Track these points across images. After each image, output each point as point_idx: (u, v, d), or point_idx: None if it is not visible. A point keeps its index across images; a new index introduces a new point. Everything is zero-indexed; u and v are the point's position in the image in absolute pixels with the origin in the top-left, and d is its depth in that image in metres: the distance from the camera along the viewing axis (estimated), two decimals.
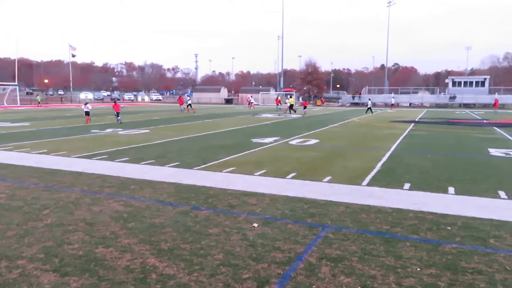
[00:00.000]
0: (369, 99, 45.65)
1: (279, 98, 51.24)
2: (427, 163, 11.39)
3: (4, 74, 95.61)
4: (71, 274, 4.33)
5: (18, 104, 54.36)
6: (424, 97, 70.07)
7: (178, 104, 44.37)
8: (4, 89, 56.96)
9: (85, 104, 26.04)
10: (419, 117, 35.74)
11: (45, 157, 11.95)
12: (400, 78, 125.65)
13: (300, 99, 71.71)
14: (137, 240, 5.32)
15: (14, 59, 66.94)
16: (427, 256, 4.88)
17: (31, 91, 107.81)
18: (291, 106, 40.87)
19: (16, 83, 58.18)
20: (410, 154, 13.21)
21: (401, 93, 73.61)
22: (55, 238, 5.40)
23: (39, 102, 54.39)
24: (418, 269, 4.51)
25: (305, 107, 40.08)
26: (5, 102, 53.44)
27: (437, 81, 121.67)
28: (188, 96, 47.53)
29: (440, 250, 5.06)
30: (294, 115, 36.41)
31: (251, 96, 55.77)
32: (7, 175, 9.29)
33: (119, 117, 25.39)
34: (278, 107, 48.00)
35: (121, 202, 7.12)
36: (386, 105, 65.41)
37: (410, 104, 67.85)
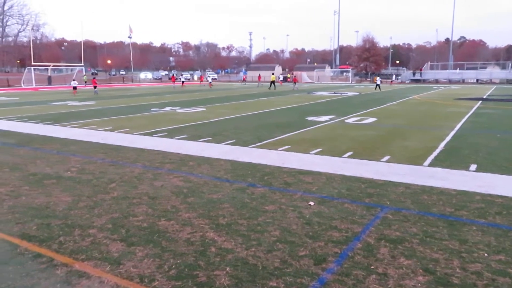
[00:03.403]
0: (378, 76, 47.59)
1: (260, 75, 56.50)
2: (496, 143, 10.64)
3: (71, 56, 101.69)
4: (136, 244, 4.60)
5: (84, 84, 57.60)
6: (493, 72, 64.88)
7: (176, 83, 52.09)
8: (71, 70, 60.60)
9: (73, 80, 37.43)
10: (487, 94, 33.32)
11: (110, 134, 12.64)
12: (467, 52, 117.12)
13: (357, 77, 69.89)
14: (197, 215, 5.51)
15: (80, 42, 70.73)
16: (496, 241, 4.60)
17: (95, 71, 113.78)
18: (271, 82, 44.73)
19: (82, 64, 61.50)
20: (477, 133, 12.41)
21: (467, 68, 68.71)
22: (122, 210, 5.73)
23: (85, 82, 56.92)
24: (486, 255, 4.27)
25: (295, 83, 43.82)
26: (76, 82, 56.77)
27: (508, 55, 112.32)
28: (181, 74, 63.21)
29: (511, 236, 4.75)
30: (349, 93, 35.43)
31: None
32: (77, 151, 9.96)
33: (95, 89, 35.70)
34: (260, 83, 53.96)
35: (180, 177, 7.39)
36: (450, 81, 61.64)
37: (477, 80, 63.29)
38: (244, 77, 65.98)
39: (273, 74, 50.25)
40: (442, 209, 5.69)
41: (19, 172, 7.86)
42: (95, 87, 36.33)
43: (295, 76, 49.38)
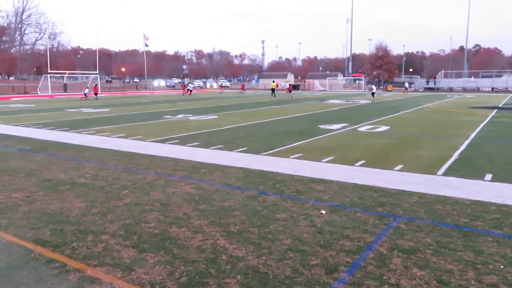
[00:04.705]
0: (373, 85, 48.37)
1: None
2: None
3: (87, 63, 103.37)
4: (148, 250, 4.62)
5: (99, 92, 58.42)
6: (509, 80, 63.86)
7: (183, 90, 55.56)
8: (87, 77, 61.61)
9: (86, 88, 41.05)
10: (503, 102, 32.83)
11: (123, 140, 12.78)
12: (482, 60, 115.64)
13: (370, 85, 69.70)
14: (208, 222, 5.52)
15: (95, 50, 71.90)
16: None
17: (110, 79, 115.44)
18: (272, 90, 45.37)
19: (97, 72, 62.45)
20: (493, 142, 12.21)
21: (482, 76, 67.85)
22: (134, 216, 5.77)
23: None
24: (502, 267, 4.18)
25: (290, 91, 44.46)
26: (88, 90, 57.74)
27: None
28: (189, 82, 65.97)
29: None
30: (362, 101, 35.27)
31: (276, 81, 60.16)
32: (91, 157, 10.09)
33: (96, 97, 39.93)
34: (242, 92, 56.18)
35: (192, 185, 7.42)
36: (464, 90, 60.94)
37: (492, 88, 62.43)
38: (242, 86, 65.68)
39: (273, 82, 49.98)
40: (456, 219, 5.60)
41: (35, 177, 7.99)
42: (96, 93, 41.00)
43: (289, 85, 49.42)
